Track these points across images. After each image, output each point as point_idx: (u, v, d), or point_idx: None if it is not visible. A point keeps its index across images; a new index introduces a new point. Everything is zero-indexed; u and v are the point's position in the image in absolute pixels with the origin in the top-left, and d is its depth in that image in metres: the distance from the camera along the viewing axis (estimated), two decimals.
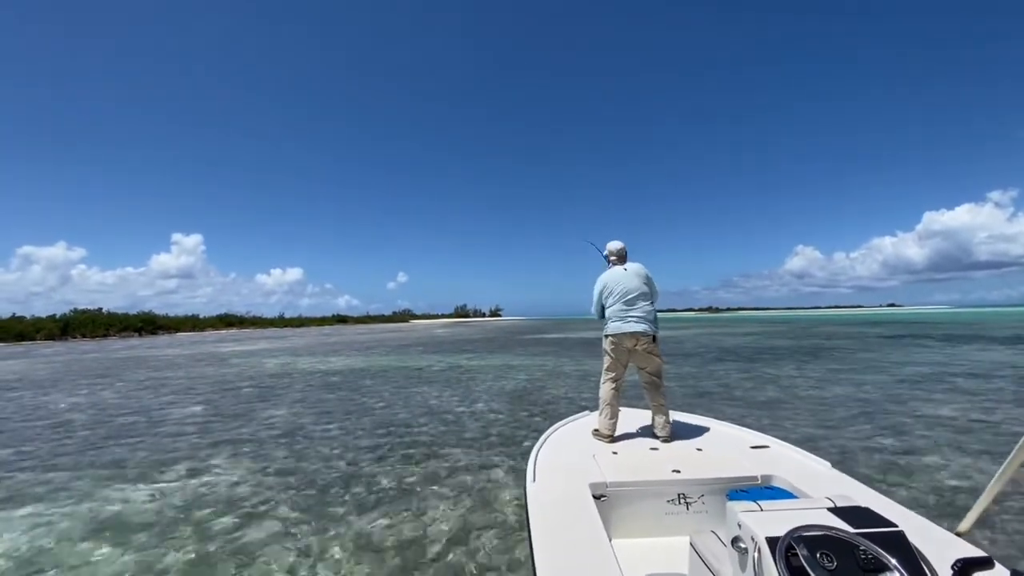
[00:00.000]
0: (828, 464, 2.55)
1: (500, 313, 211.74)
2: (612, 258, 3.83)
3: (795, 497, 2.14)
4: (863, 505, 1.55)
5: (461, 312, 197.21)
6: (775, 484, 2.37)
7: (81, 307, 68.27)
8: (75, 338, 57.18)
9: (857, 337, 24.60)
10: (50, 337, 56.04)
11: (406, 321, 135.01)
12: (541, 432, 3.41)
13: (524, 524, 2.59)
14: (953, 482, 4.18)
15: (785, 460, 2.66)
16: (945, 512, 3.54)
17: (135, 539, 3.46)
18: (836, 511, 1.49)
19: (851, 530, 1.34)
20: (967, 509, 1.84)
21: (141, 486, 4.61)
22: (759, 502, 1.59)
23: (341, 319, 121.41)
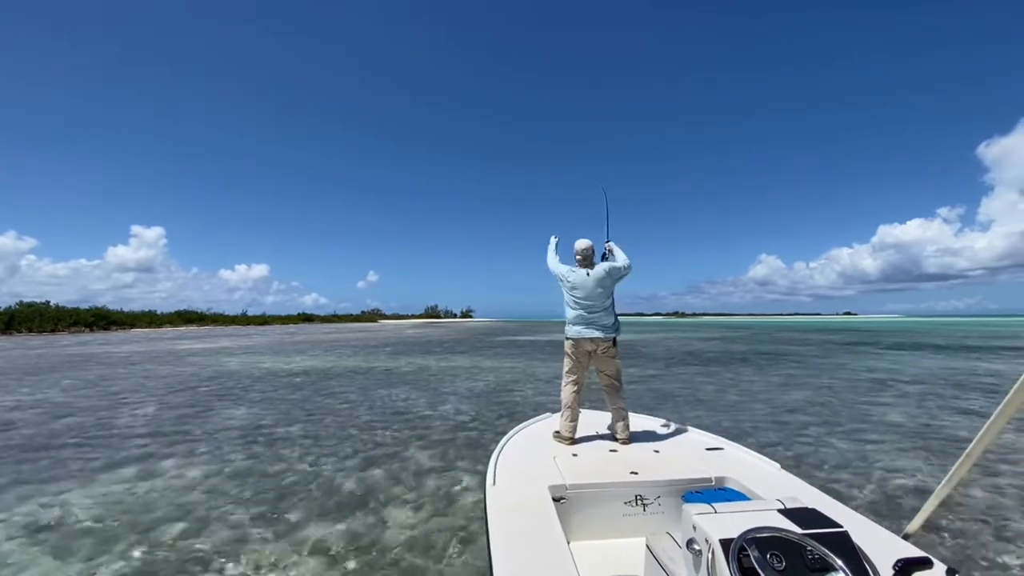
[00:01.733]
0: (778, 465, 2.64)
1: (471, 314, 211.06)
2: (577, 257, 3.71)
3: (747, 498, 2.21)
4: (810, 506, 1.61)
5: (431, 313, 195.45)
6: (728, 485, 2.44)
7: (28, 300, 64.42)
8: (20, 333, 54.04)
9: (815, 343, 25.58)
10: None
11: (375, 321, 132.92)
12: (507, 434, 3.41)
13: (483, 528, 2.57)
14: (900, 484, 4.38)
15: (738, 462, 2.74)
16: (891, 513, 3.70)
17: (76, 546, 3.29)
18: (785, 512, 1.54)
19: (799, 531, 1.39)
20: (913, 511, 1.93)
21: (85, 490, 4.38)
22: (713, 504, 1.63)
23: (307, 317, 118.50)
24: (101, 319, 66.40)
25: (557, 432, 3.35)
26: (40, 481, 4.64)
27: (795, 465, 4.79)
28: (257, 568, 2.99)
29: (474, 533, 3.42)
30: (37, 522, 3.70)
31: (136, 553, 3.18)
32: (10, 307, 60.63)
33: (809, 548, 1.31)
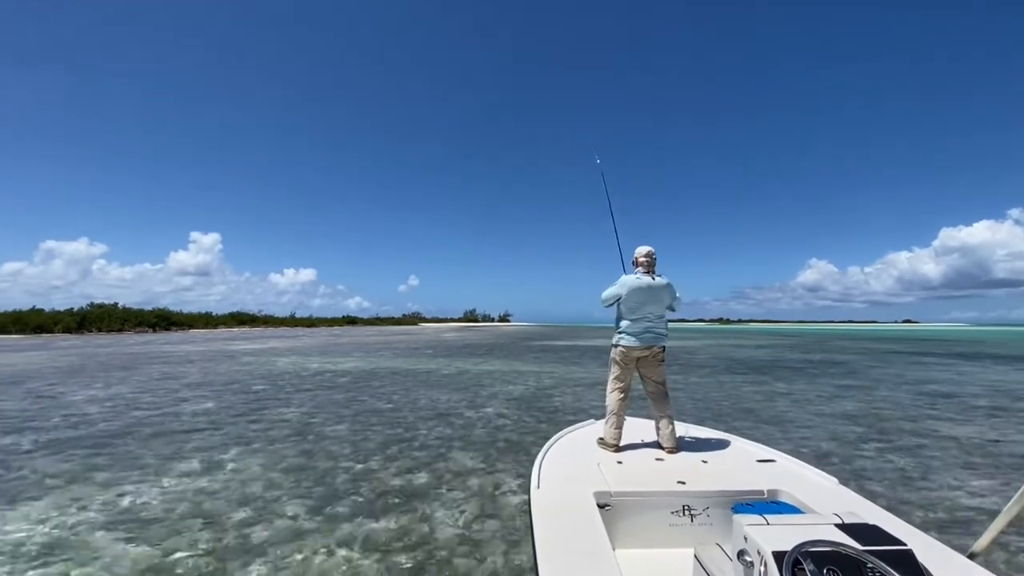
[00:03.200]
0: (835, 480, 2.54)
1: (509, 318, 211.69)
2: (643, 260, 3.62)
3: (802, 512, 2.14)
4: (871, 522, 1.56)
5: (470, 316, 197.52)
6: (781, 499, 2.37)
7: (98, 301, 69.52)
8: (91, 332, 58.25)
9: (871, 352, 24.24)
10: (68, 330, 57.14)
11: (415, 324, 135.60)
12: (549, 438, 3.44)
13: (528, 530, 2.61)
14: (966, 503, 4.13)
15: (792, 475, 2.66)
16: (956, 533, 3.50)
17: (148, 531, 3.54)
18: (844, 527, 1.50)
19: (859, 547, 1.34)
20: (980, 530, 1.84)
21: (155, 479, 4.71)
22: (765, 516, 1.61)
23: (351, 320, 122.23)
24: (163, 320, 70.88)
25: (602, 439, 3.35)
26: (116, 470, 5.02)
27: (850, 479, 4.59)
28: (313, 557, 3.14)
29: (518, 534, 3.46)
30: (115, 508, 4.01)
31: (204, 539, 3.41)
32: (83, 308, 65.62)
33: (870, 565, 1.27)
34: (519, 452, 5.64)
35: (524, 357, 20.62)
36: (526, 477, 4.64)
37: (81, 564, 3.08)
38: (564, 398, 9.64)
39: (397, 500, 4.15)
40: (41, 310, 62.48)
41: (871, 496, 2.76)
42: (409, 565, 3.07)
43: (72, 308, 64.97)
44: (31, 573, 2.97)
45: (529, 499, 2.45)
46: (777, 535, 1.44)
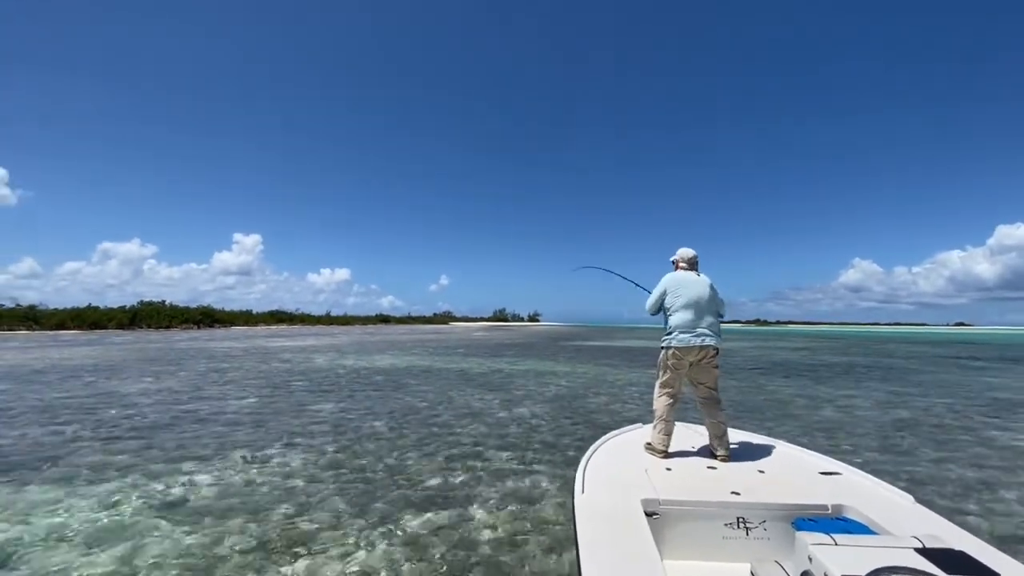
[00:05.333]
0: (911, 498, 2.33)
1: (538, 318, 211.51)
2: (682, 264, 3.56)
3: (872, 532, 1.99)
4: (957, 548, 1.42)
5: (500, 316, 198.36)
6: (848, 516, 2.21)
7: (147, 299, 73.35)
8: (142, 328, 61.35)
9: (921, 356, 23.00)
10: (120, 326, 60.47)
11: (446, 323, 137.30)
12: (584, 440, 3.36)
13: (570, 535, 2.53)
14: None
15: (860, 490, 2.46)
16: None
17: (199, 520, 3.66)
18: (925, 552, 1.37)
19: None
20: None
21: (203, 470, 4.86)
22: (832, 535, 1.49)
23: (384, 319, 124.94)
24: (207, 317, 74.32)
25: (649, 444, 3.23)
26: (166, 461, 5.21)
27: (908, 489, 4.32)
28: (354, 551, 3.16)
29: (559, 538, 3.39)
30: (167, 497, 4.16)
31: (250, 529, 3.49)
32: (134, 305, 69.38)
33: None
34: (555, 454, 5.56)
35: (557, 357, 20.50)
36: (563, 479, 4.58)
37: (137, 547, 3.20)
38: (599, 399, 9.51)
39: (434, 498, 4.15)
40: (96, 307, 66.33)
41: (945, 514, 2.53)
42: (447, 565, 3.05)
43: (124, 306, 68.83)
44: (94, 552, 3.10)
45: (572, 504, 2.37)
46: (848, 557, 1.33)
